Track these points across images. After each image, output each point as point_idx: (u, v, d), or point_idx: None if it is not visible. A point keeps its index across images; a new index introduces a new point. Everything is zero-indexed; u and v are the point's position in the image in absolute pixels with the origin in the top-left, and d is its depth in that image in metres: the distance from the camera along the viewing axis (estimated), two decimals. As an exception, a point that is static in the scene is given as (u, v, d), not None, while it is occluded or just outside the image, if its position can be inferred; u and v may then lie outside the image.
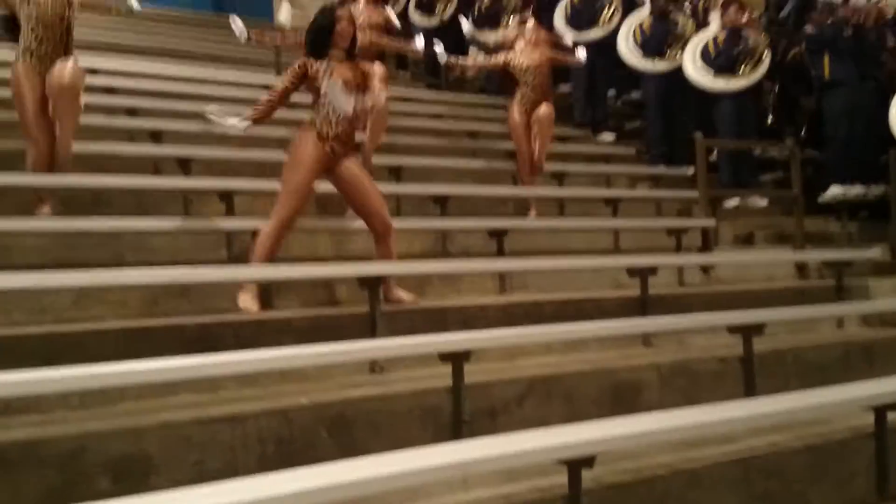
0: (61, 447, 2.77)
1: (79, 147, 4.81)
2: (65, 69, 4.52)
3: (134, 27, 9.95)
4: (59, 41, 4.66)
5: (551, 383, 3.89)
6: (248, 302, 4.11)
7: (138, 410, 3.14)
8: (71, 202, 4.72)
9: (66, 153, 4.62)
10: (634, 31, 8.30)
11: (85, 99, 4.72)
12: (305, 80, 4.36)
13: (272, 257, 4.21)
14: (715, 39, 7.68)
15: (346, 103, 4.19)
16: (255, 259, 4.18)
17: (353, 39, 4.43)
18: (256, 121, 4.36)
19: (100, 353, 3.11)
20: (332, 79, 4.26)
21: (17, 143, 4.83)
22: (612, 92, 9.51)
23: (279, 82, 4.51)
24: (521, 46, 6.55)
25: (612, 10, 8.70)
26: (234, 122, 4.31)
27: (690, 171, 7.39)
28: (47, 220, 4.44)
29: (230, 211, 4.83)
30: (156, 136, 5.82)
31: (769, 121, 8.23)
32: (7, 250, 4.18)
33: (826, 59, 7.37)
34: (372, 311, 3.96)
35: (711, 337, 4.83)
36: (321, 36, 4.36)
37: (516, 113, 6.52)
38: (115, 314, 3.93)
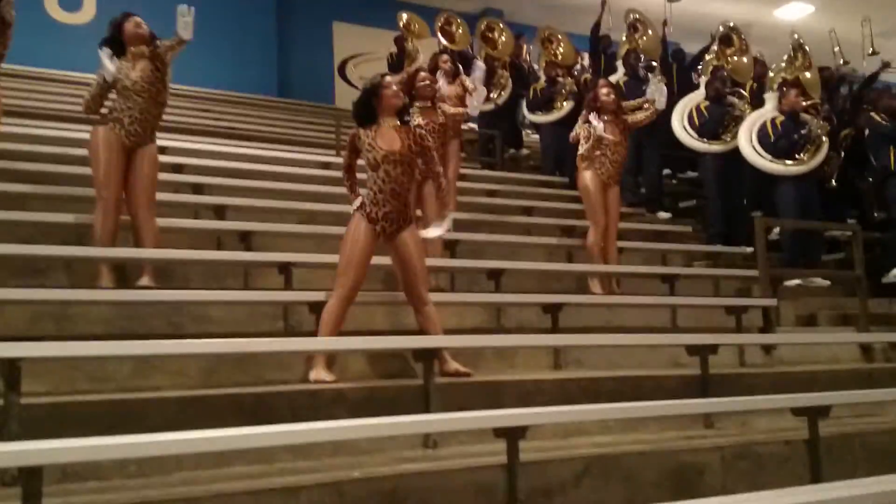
0: (118, 515, 2.79)
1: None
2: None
3: (201, 109, 10.38)
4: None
5: (609, 464, 3.78)
6: (320, 374, 4.14)
7: (194, 480, 3.14)
8: (133, 273, 4.86)
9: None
10: (691, 113, 8.35)
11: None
12: (358, 152, 4.47)
13: (337, 330, 4.26)
14: (773, 122, 7.65)
15: None
16: (321, 333, 4.24)
17: (404, 109, 4.48)
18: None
19: (159, 421, 3.15)
20: (381, 138, 4.36)
21: (86, 216, 5.03)
22: (667, 171, 9.57)
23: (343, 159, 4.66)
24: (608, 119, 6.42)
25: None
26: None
27: (749, 249, 7.29)
28: (111, 291, 4.57)
29: (288, 283, 4.91)
30: (219, 212, 5.99)
31: (832, 185, 8.10)
32: (72, 320, 4.29)
33: (891, 151, 7.46)
34: (426, 385, 3.94)
35: (775, 419, 4.67)
36: (365, 108, 4.43)
37: (590, 181, 6.37)
38: (173, 384, 3.98)
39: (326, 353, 4.20)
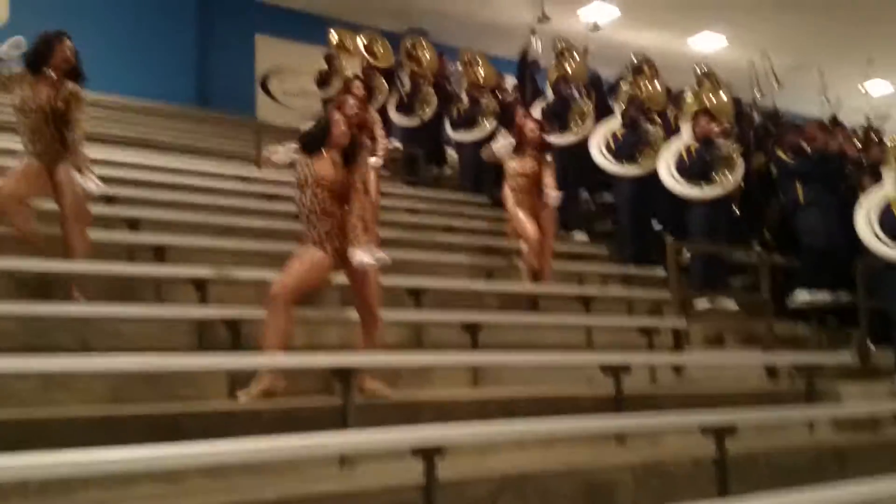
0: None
1: (52, 231, 4.82)
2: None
3: (116, 118, 10.09)
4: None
5: (525, 482, 3.82)
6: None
7: (101, 501, 3.03)
8: (40, 287, 4.68)
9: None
10: (607, 138, 8.59)
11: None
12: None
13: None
14: (688, 149, 7.93)
15: None
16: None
17: (352, 145, 4.54)
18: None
19: (65, 440, 3.02)
20: (318, 164, 4.38)
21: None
22: (584, 194, 9.78)
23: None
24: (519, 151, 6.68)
25: (584, 116, 9.05)
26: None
27: (661, 271, 7.50)
28: (14, 303, 4.38)
29: (203, 299, 4.80)
30: (132, 224, 5.82)
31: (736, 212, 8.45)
32: (-27, 334, 4.10)
33: (799, 186, 7.84)
34: (344, 404, 3.90)
35: (684, 437, 4.79)
36: (314, 139, 4.52)
37: (513, 206, 6.60)
38: (80, 401, 3.84)
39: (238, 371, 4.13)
